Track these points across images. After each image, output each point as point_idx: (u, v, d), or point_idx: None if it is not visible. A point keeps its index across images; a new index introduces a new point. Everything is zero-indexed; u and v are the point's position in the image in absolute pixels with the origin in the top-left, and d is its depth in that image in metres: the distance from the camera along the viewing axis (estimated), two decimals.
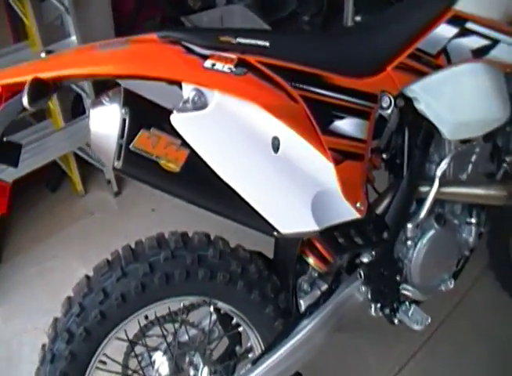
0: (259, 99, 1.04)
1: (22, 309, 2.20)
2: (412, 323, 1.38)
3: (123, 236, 2.39)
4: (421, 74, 1.21)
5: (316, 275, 1.37)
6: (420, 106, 1.23)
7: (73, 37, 2.16)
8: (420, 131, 1.28)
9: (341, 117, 1.14)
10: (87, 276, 1.28)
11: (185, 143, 1.01)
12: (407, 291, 1.41)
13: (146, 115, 1.01)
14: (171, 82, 1.03)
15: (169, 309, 1.42)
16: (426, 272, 1.39)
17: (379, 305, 1.40)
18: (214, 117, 1.03)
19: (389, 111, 1.20)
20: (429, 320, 1.37)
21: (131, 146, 0.99)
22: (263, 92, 1.05)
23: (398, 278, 1.38)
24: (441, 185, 1.32)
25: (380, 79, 1.18)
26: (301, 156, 1.11)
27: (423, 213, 1.33)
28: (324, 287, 1.39)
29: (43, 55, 1.09)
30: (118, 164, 1.00)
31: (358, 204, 1.19)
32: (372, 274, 1.34)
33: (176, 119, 1.01)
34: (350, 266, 1.39)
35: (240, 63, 1.04)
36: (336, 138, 1.14)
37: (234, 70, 1.03)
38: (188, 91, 1.02)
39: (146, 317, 1.39)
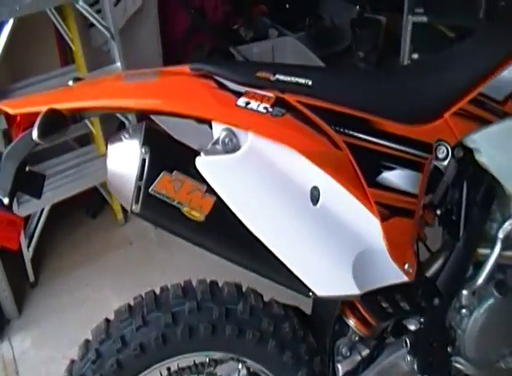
0: (298, 143, 0.91)
1: (52, 337, 2.12)
2: None
3: (160, 270, 2.30)
4: (484, 122, 1.05)
5: (357, 338, 1.20)
6: (482, 159, 1.06)
7: (118, 64, 2.09)
8: (480, 186, 1.11)
9: (391, 168, 1.00)
10: (107, 320, 1.16)
11: (211, 190, 0.89)
12: (460, 364, 1.22)
13: (169, 156, 0.90)
14: (201, 120, 0.91)
15: (194, 361, 1.28)
16: (482, 346, 1.20)
17: None
18: (245, 162, 0.90)
19: (445, 163, 1.04)
20: None
21: (150, 190, 0.88)
22: (303, 137, 0.91)
23: (449, 350, 1.20)
24: (503, 248, 1.13)
25: (436, 127, 1.03)
26: (344, 210, 0.96)
27: (481, 279, 1.15)
28: (365, 352, 1.22)
29: (71, 83, 0.99)
30: (136, 208, 0.89)
31: (406, 266, 1.03)
32: (419, 343, 1.16)
33: (202, 162, 0.89)
34: (395, 331, 1.21)
35: (278, 103, 0.91)
36: (384, 191, 0.99)
37: (271, 110, 0.90)
38: (218, 131, 0.90)
39: (169, 369, 1.26)
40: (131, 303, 1.16)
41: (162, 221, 0.92)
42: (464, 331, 1.19)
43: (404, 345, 1.17)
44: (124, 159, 0.88)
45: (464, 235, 1.12)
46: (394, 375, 1.22)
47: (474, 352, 1.20)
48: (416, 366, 1.19)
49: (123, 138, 0.88)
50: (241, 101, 0.89)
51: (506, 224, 1.13)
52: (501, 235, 1.13)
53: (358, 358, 1.22)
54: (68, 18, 2.07)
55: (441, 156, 1.03)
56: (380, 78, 1.06)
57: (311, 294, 0.98)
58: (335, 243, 0.96)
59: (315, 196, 0.94)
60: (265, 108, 0.89)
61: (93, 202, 2.60)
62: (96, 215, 2.63)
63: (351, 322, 1.17)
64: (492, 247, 1.14)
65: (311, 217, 0.94)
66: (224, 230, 0.92)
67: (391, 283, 1.03)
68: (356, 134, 0.96)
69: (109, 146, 0.90)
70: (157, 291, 1.17)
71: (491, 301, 1.18)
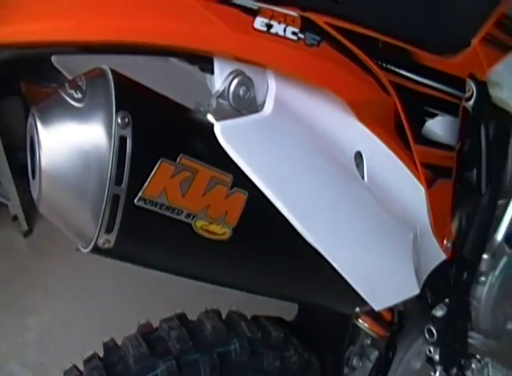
0: (345, 88, 0.53)
1: None
2: None
3: (41, 289, 1.72)
4: (506, 49, 0.77)
5: (369, 342, 0.87)
6: (502, 94, 0.79)
7: None
8: (498, 128, 0.83)
9: (433, 115, 0.67)
10: None
11: (240, 178, 0.47)
12: (472, 339, 0.96)
13: (165, 126, 0.44)
14: (193, 58, 0.47)
15: None
16: (497, 311, 0.95)
17: (443, 367, 0.93)
18: (279, 126, 0.49)
19: (471, 102, 0.75)
20: None
21: (138, 198, 0.42)
22: (350, 77, 0.53)
23: (468, 327, 0.93)
24: None
25: (467, 57, 0.72)
26: (392, 182, 0.62)
27: (500, 236, 0.89)
28: (374, 355, 0.89)
29: None
30: (109, 240, 0.43)
31: (445, 242, 0.74)
32: (447, 330, 0.87)
33: (228, 131, 0.46)
34: (407, 324, 0.91)
35: (307, 26, 0.51)
36: (431, 147, 0.67)
37: (302, 36, 0.50)
38: (224, 74, 0.48)
39: None
40: None
41: (156, 255, 0.48)
42: (480, 301, 0.92)
43: (427, 335, 0.87)
44: (79, 144, 0.41)
45: (489, 189, 0.83)
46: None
47: (489, 322, 0.95)
48: (438, 357, 0.90)
49: (67, 97, 0.40)
50: (259, 22, 0.47)
51: None
52: None
53: (370, 365, 0.89)
54: None
55: (468, 94, 0.74)
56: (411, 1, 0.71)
57: (358, 309, 0.63)
58: (392, 232, 0.61)
59: (360, 166, 0.58)
60: (294, 33, 0.49)
61: None
62: None
63: (366, 324, 0.84)
64: (509, 199, 0.88)
65: (364, 198, 0.57)
66: (261, 247, 0.51)
67: (434, 266, 0.72)
68: (401, 71, 0.61)
69: (38, 122, 0.41)
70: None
71: (504, 259, 0.92)
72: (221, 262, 0.49)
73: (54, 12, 0.39)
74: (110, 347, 0.68)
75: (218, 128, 0.45)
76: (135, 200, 0.41)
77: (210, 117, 0.46)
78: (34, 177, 0.42)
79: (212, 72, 0.47)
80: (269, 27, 0.48)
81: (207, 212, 0.44)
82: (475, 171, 0.82)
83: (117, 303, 1.59)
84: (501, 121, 0.82)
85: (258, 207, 0.47)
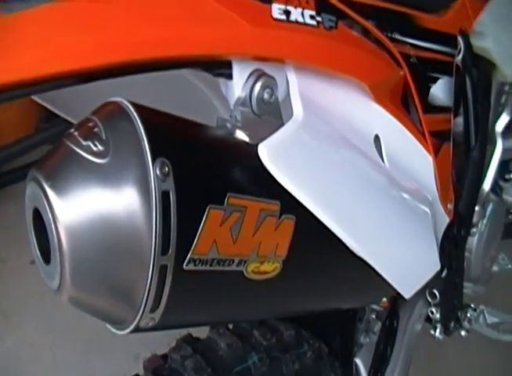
0: (367, 73, 0.49)
1: None
2: (496, 333, 0.97)
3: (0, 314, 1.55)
4: None
5: (374, 316, 0.87)
6: (486, 44, 0.77)
7: None
8: (480, 78, 0.83)
9: (435, 80, 0.66)
10: None
11: (288, 203, 0.41)
12: (464, 289, 0.99)
13: (208, 165, 0.37)
14: (208, 65, 0.40)
15: None
16: (485, 258, 0.99)
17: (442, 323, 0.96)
18: (313, 128, 0.44)
19: (460, 57, 0.73)
20: None
21: (187, 261, 0.34)
22: (370, 59, 0.49)
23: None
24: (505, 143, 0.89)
25: (457, 11, 0.70)
26: (406, 158, 0.60)
27: (488, 186, 0.90)
28: (378, 326, 0.89)
29: None
30: (153, 319, 0.36)
31: (449, 206, 0.74)
32: (448, 289, 0.89)
33: (273, 150, 0.39)
34: None
35: (321, 6, 0.46)
36: (434, 114, 0.66)
37: (319, 19, 0.44)
38: (244, 77, 0.41)
39: None
40: None
41: (202, 316, 0.42)
42: (471, 251, 0.95)
43: (430, 298, 0.88)
44: (109, 213, 0.32)
45: (477, 141, 0.83)
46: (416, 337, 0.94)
47: (479, 270, 0.98)
48: (439, 316, 0.92)
49: (83, 154, 0.32)
50: (277, 9, 0.41)
51: (503, 115, 0.89)
52: (499, 129, 0.88)
53: (375, 338, 0.89)
54: None
55: (458, 50, 0.72)
56: None
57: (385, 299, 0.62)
58: (415, 215, 0.60)
59: (378, 149, 0.55)
60: (312, 17, 0.44)
61: None
62: None
63: None
64: (494, 146, 0.89)
65: (391, 189, 0.55)
66: (310, 269, 0.46)
67: (442, 231, 0.72)
68: (407, 39, 0.58)
69: (48, 189, 0.32)
70: None
71: (490, 207, 0.95)
72: (271, 298, 0.45)
73: (42, 42, 0.31)
74: None
75: (264, 151, 0.38)
76: (184, 265, 0.34)
77: (240, 134, 0.40)
78: (48, 262, 0.34)
79: (229, 77, 0.41)
80: (288, 13, 0.42)
81: (258, 252, 0.39)
82: (464, 125, 0.82)
83: (83, 316, 1.48)
84: (483, 71, 0.81)
85: (306, 228, 0.42)
